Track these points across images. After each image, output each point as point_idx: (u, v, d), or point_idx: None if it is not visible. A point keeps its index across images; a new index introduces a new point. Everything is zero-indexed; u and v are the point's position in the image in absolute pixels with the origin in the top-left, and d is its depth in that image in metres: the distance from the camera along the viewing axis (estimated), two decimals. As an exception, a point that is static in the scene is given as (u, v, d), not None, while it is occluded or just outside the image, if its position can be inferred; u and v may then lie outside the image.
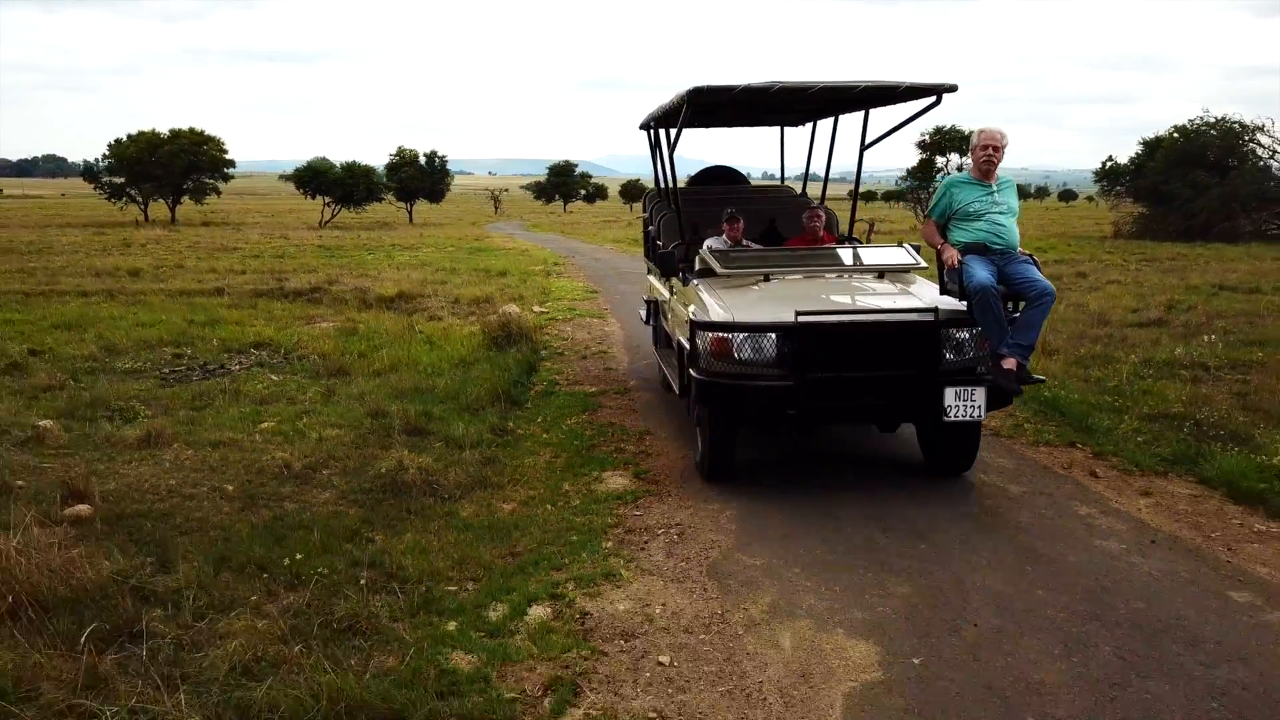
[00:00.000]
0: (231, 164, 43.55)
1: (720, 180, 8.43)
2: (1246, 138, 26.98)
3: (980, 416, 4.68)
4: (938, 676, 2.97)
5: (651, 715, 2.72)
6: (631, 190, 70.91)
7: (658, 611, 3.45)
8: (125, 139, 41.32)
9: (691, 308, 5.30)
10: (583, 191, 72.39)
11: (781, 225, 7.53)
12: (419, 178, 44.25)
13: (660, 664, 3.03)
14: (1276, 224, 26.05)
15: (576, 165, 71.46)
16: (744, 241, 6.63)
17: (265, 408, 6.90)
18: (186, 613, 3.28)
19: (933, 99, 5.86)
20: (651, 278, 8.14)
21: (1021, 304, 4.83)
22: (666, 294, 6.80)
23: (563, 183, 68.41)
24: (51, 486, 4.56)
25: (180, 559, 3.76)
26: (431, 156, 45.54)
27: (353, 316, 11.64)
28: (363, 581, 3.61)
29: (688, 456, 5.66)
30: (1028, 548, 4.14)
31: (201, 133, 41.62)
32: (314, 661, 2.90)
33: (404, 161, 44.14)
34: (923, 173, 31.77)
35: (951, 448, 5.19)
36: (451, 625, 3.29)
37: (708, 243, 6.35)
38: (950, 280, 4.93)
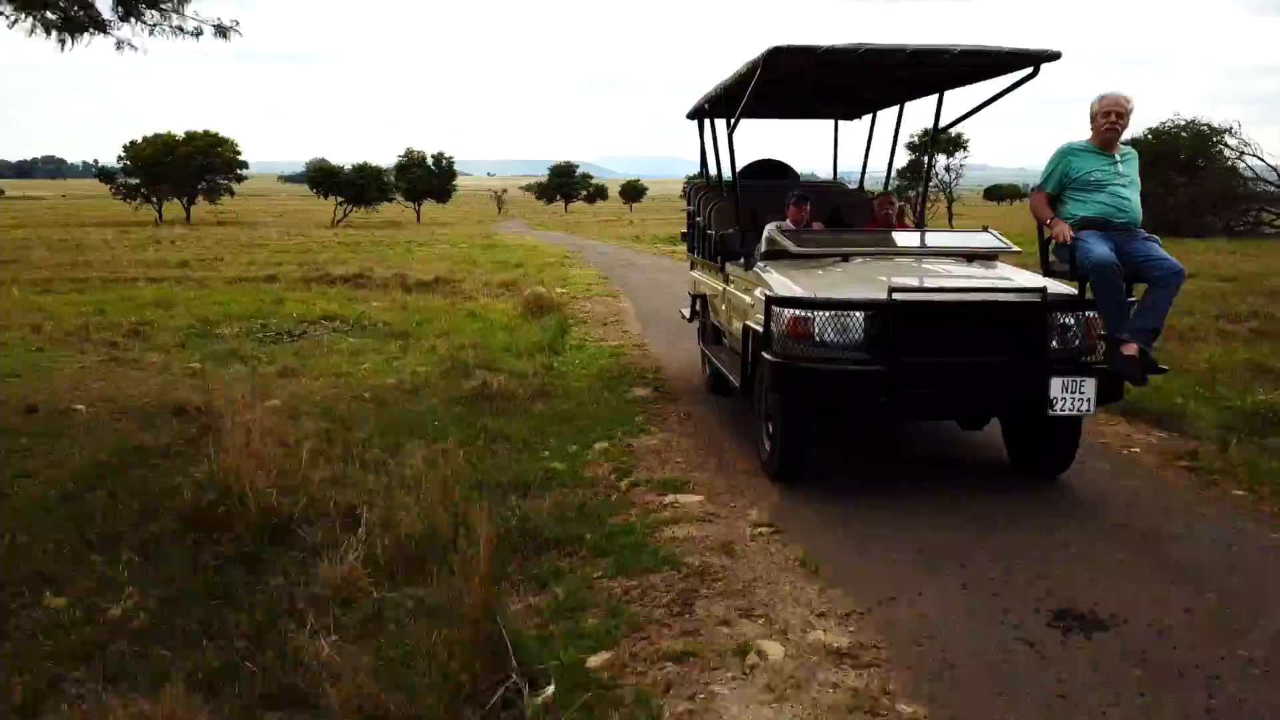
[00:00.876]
0: (244, 165, 45.61)
1: (769, 174, 7.92)
2: (1215, 139, 29.05)
3: (1090, 410, 4.36)
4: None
5: (675, 478, 4.74)
6: (631, 191, 72.93)
7: (674, 444, 5.46)
8: (141, 140, 43.31)
9: (759, 290, 5.07)
10: (584, 192, 74.48)
11: (847, 215, 7.18)
12: (427, 178, 46.33)
13: (677, 461, 5.04)
14: (1243, 222, 28.09)
15: (577, 166, 73.57)
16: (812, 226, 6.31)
17: (357, 356, 8.87)
18: (377, 447, 5.26)
19: (1029, 70, 5.47)
20: (697, 272, 7.91)
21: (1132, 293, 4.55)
22: (719, 286, 6.57)
23: (564, 183, 70.52)
24: (243, 393, 6.55)
25: (357, 424, 5.75)
26: (439, 158, 47.62)
27: (398, 297, 13.61)
28: (481, 440, 5.58)
29: (693, 380, 7.62)
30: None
31: (216, 135, 43.66)
32: (471, 460, 4.88)
33: (412, 163, 46.21)
34: (912, 174, 33.77)
35: (1050, 445, 4.81)
36: (546, 453, 5.28)
37: (770, 226, 5.92)
38: (1058, 258, 4.70)
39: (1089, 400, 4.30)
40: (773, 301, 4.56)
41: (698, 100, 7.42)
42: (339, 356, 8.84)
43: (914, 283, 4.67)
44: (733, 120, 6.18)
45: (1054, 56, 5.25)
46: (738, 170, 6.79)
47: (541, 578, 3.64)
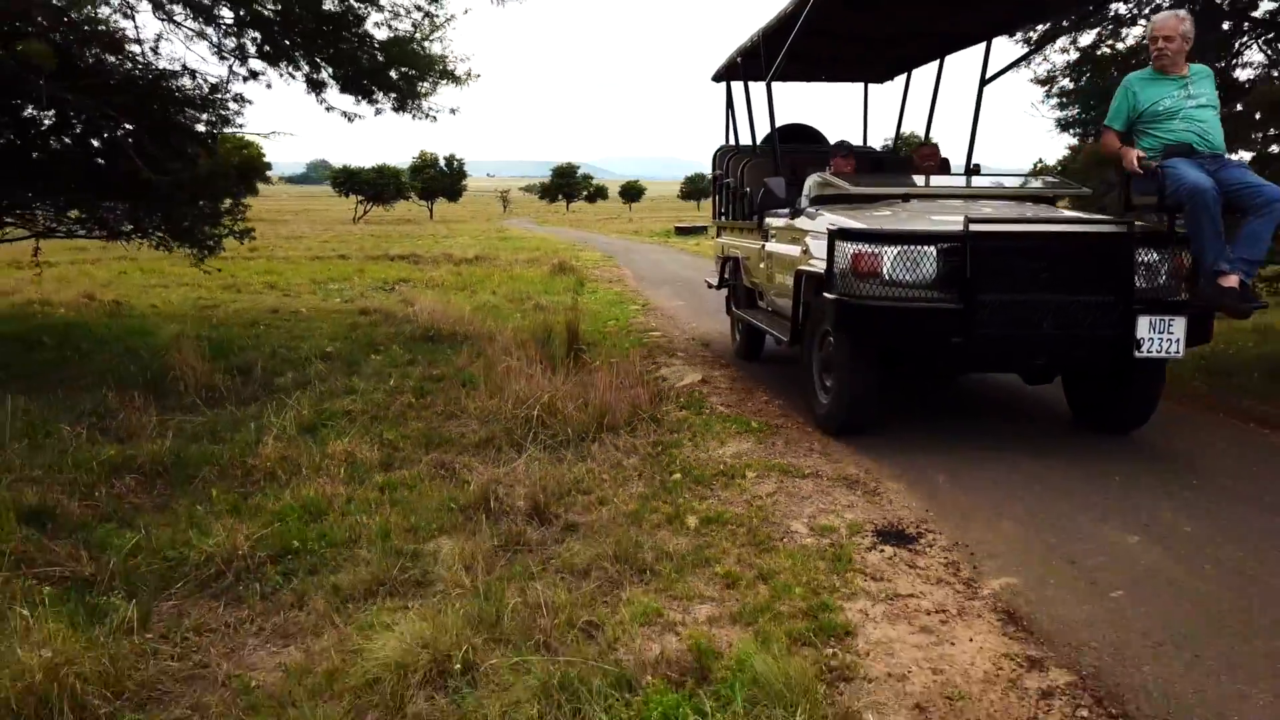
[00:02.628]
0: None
1: (798, 139, 7.97)
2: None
3: (1179, 352, 4.17)
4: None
5: (653, 326, 9.34)
6: (630, 191, 77.67)
7: (651, 323, 10.07)
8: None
9: (812, 233, 4.99)
10: (585, 192, 79.16)
11: (889, 169, 7.32)
12: (440, 179, 51.03)
13: (653, 324, 9.62)
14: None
15: (579, 167, 78.24)
16: None
17: (445, 295, 13.45)
18: (489, 320, 9.85)
19: (1090, 6, 5.17)
20: (726, 237, 8.01)
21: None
22: (756, 244, 6.55)
23: (566, 184, 75.17)
24: (400, 305, 11.13)
25: (471, 318, 10.35)
26: (450, 160, 52.30)
27: (450, 268, 18.19)
28: (541, 318, 10.13)
29: (668, 305, 12.20)
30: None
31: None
32: (537, 321, 9.50)
33: (426, 164, 50.90)
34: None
35: (1130, 395, 4.65)
36: (582, 326, 9.91)
37: (817, 175, 5.86)
38: (1141, 191, 4.48)
39: (1178, 341, 4.12)
40: (837, 235, 4.38)
41: (726, 58, 7.45)
42: (431, 294, 13.41)
43: (991, 214, 4.46)
44: (769, 74, 6.17)
45: None
46: (769, 135, 6.93)
47: (590, 338, 8.15)
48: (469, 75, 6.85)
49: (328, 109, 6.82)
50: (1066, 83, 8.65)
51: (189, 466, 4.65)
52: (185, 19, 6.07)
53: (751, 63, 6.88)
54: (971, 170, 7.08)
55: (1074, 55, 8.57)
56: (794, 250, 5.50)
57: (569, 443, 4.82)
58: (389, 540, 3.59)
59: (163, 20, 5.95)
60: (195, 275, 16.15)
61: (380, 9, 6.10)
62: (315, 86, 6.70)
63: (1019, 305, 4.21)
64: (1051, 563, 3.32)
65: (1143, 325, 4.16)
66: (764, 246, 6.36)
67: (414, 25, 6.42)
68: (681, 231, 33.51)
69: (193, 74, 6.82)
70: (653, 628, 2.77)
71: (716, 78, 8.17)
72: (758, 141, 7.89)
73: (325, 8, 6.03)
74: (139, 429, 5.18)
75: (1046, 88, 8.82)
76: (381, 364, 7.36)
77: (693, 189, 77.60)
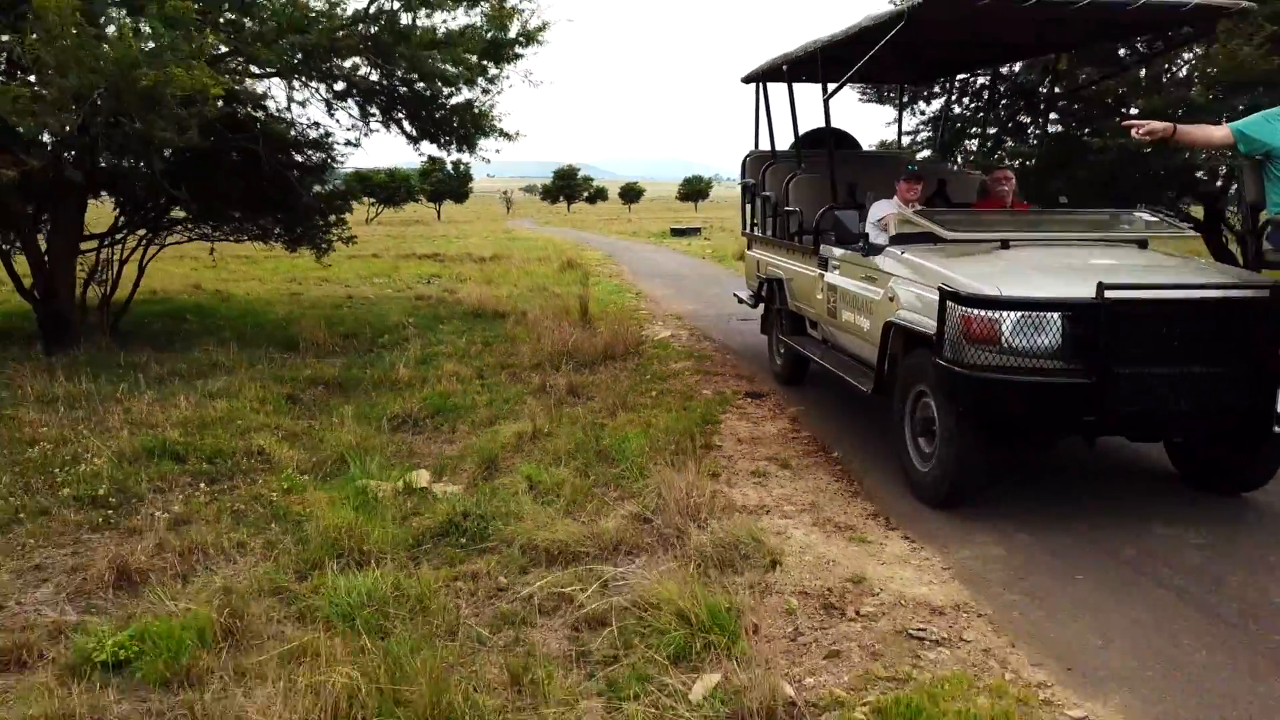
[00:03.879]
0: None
1: (836, 147, 7.51)
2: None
3: None
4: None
5: (652, 311, 12.71)
6: (630, 193, 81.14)
7: (643, 305, 13.43)
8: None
9: (909, 282, 4.72)
10: (585, 193, 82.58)
11: (953, 192, 6.96)
12: (447, 181, 54.41)
13: (648, 308, 12.98)
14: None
15: (579, 169, 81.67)
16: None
17: (477, 285, 16.79)
18: (522, 303, 13.23)
19: (1217, 14, 5.12)
20: (763, 252, 7.73)
21: None
22: (812, 271, 6.32)
23: (567, 185, 78.59)
24: (445, 293, 14.49)
25: (506, 302, 13.72)
26: (457, 163, 55.70)
27: (472, 266, 21.53)
28: (560, 303, 13.48)
29: (655, 289, 15.56)
30: None
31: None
32: (556, 305, 12.88)
33: (433, 167, 54.24)
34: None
35: (1254, 461, 4.45)
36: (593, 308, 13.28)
37: (884, 204, 5.80)
38: (1275, 245, 4.20)
39: None
40: (951, 299, 4.09)
41: (768, 62, 7.21)
42: (465, 286, 16.78)
43: (1124, 278, 4.13)
44: (832, 84, 5.97)
45: (1246, 11, 4.95)
46: (798, 139, 6.96)
47: (596, 312, 11.51)
48: (517, 134, 10.21)
49: (419, 154, 10.26)
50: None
51: (353, 384, 7.95)
52: (326, 95, 9.43)
53: (801, 68, 6.81)
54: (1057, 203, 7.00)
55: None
56: (872, 292, 5.22)
57: (585, 365, 8.16)
58: (493, 405, 6.93)
59: (316, 97, 9.30)
60: (260, 272, 19.51)
61: (458, 91, 9.43)
62: (412, 140, 10.05)
63: (1155, 378, 3.93)
64: (837, 402, 6.66)
65: None
66: (823, 276, 6.08)
67: (479, 94, 9.78)
68: (676, 233, 36.80)
69: (316, 125, 10.21)
70: (630, 415, 6.14)
71: (748, 79, 7.91)
72: (782, 146, 7.84)
73: (419, 88, 9.39)
74: (304, 366, 8.45)
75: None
76: (450, 330, 10.70)
77: (690, 190, 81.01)
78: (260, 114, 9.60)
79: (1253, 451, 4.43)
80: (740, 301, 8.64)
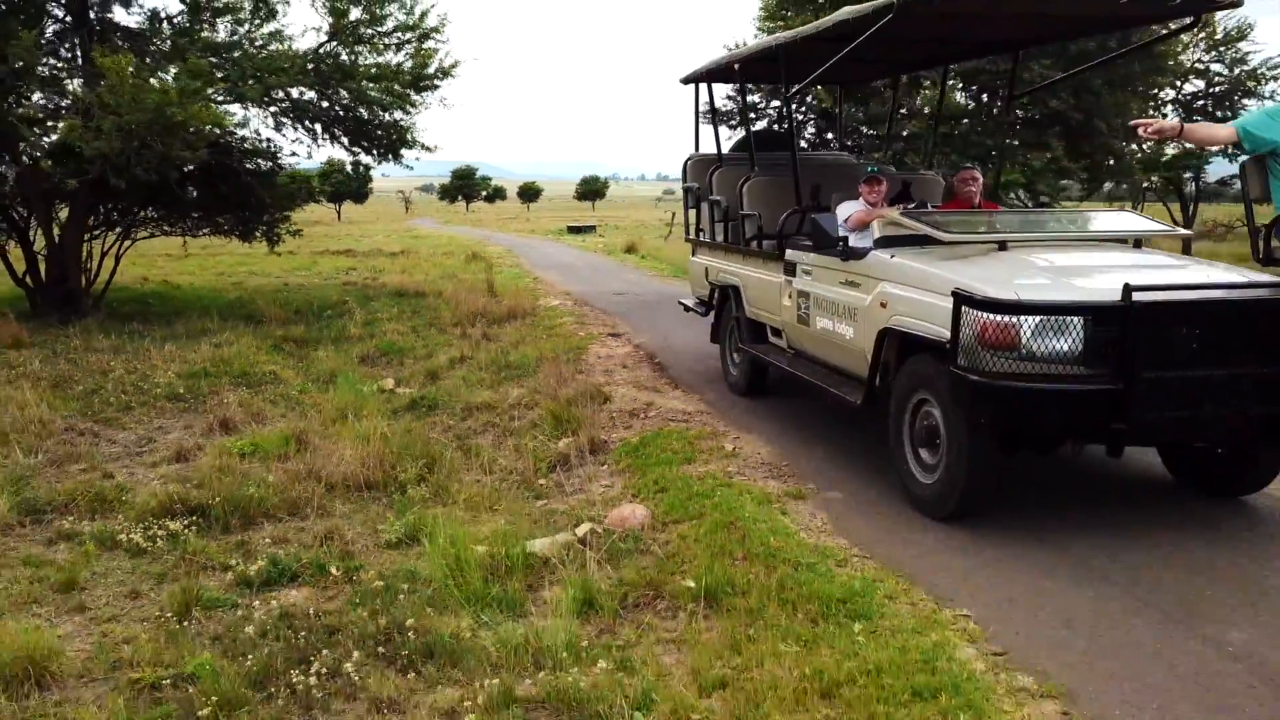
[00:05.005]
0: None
1: (773, 147, 7.84)
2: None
3: None
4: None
5: (541, 291, 15.76)
6: (528, 192, 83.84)
7: (541, 286, 16.46)
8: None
9: (902, 289, 4.64)
10: (484, 193, 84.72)
11: (918, 193, 6.92)
12: (347, 183, 56.03)
13: (544, 288, 16.01)
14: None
15: (477, 169, 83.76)
16: (906, 205, 5.88)
17: (393, 274, 19.46)
18: (438, 289, 16.07)
19: (1189, 20, 5.39)
20: (713, 258, 7.66)
21: None
22: (775, 278, 6.22)
23: (465, 185, 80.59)
24: (368, 279, 17.18)
25: (424, 287, 16.53)
26: (356, 164, 57.29)
27: (385, 259, 24.08)
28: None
29: (551, 275, 18.56)
30: None
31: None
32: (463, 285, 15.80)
33: (333, 169, 55.79)
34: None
35: (1257, 464, 4.48)
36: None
37: (843, 207, 5.73)
38: None
39: None
40: (967, 303, 3.99)
41: (713, 62, 7.25)
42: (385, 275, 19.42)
43: (1100, 278, 4.12)
44: (795, 84, 6.06)
45: (1234, 3, 5.05)
46: (736, 143, 7.11)
47: (500, 290, 14.48)
48: (435, 146, 13.10)
49: (354, 163, 13.08)
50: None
51: (316, 340, 10.69)
52: (280, 118, 12.15)
53: (758, 69, 6.94)
54: (1040, 203, 7.40)
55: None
56: (858, 298, 5.10)
57: (494, 323, 11.14)
58: (428, 346, 9.83)
59: (271, 118, 12.02)
60: (189, 267, 21.64)
61: (389, 113, 12.29)
62: (352, 151, 12.86)
63: (1184, 382, 3.90)
64: (669, 334, 9.84)
65: None
66: (790, 282, 6.01)
67: (403, 115, 12.65)
68: (573, 230, 39.78)
69: (268, 141, 12.92)
70: (526, 346, 9.20)
71: (691, 80, 7.97)
72: (721, 150, 8.04)
73: (360, 114, 12.21)
74: (275, 330, 11.12)
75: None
76: (382, 305, 13.48)
77: (587, 190, 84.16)
78: (235, 134, 12.25)
79: (1249, 454, 4.45)
80: (687, 310, 8.53)
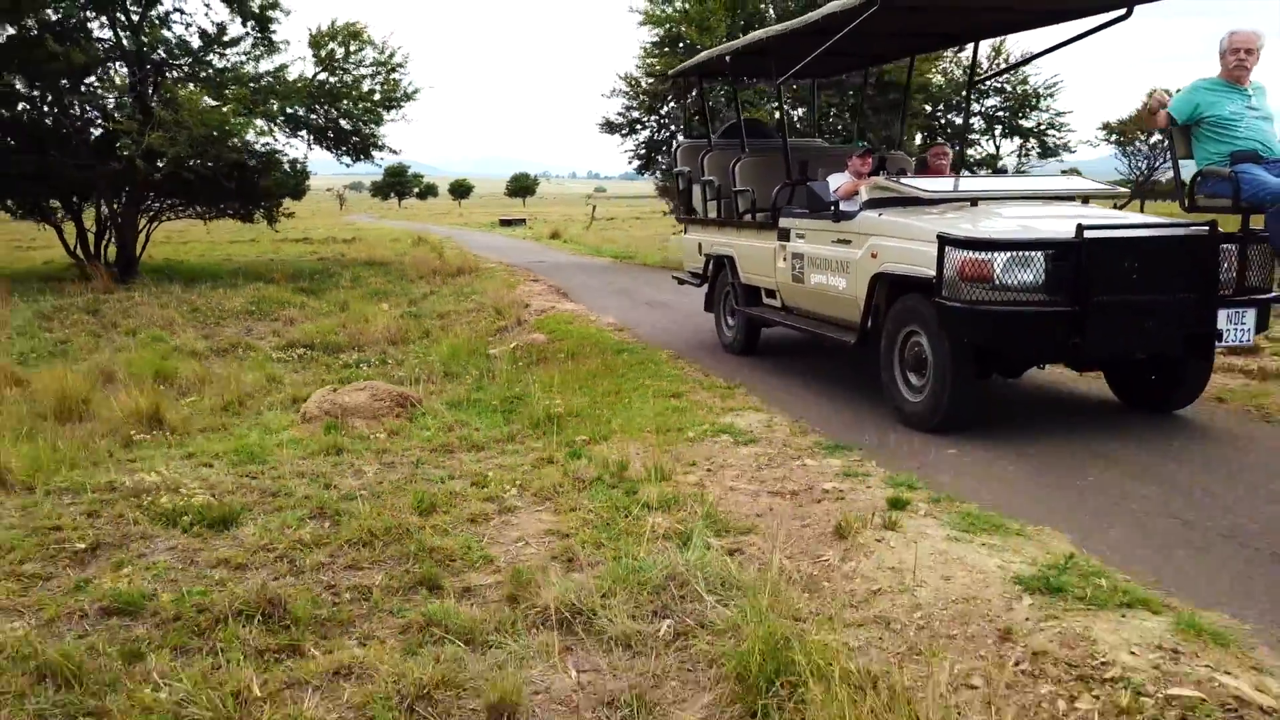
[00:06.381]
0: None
1: (755, 136, 8.56)
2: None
3: (1249, 340, 4.93)
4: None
5: (505, 268, 20.34)
6: (459, 189, 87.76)
7: (489, 274, 21.01)
8: None
9: (890, 240, 5.44)
10: (415, 189, 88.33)
11: (893, 169, 7.63)
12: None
13: (502, 271, 20.57)
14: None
15: (409, 167, 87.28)
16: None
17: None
18: (401, 261, 20.47)
19: (1121, 12, 5.98)
20: (705, 234, 8.55)
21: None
22: (767, 244, 7.03)
23: (398, 181, 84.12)
24: (337, 256, 21.49)
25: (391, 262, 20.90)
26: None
27: (342, 246, 28.21)
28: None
29: (503, 255, 23.02)
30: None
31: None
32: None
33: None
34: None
35: (1185, 379, 5.32)
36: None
37: (834, 179, 6.61)
38: (1211, 193, 5.21)
39: (1249, 330, 4.86)
40: (950, 244, 4.76)
41: (703, 55, 8.27)
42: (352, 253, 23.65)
43: (1065, 225, 4.83)
44: (782, 75, 6.99)
45: None
46: (720, 132, 8.38)
47: (447, 260, 18.98)
48: (400, 150, 17.62)
49: (339, 160, 17.62)
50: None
51: (320, 290, 15.05)
52: (283, 128, 16.54)
53: (748, 63, 7.78)
54: (999, 170, 8.54)
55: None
56: (849, 253, 5.88)
57: (446, 278, 15.66)
58: (404, 291, 14.32)
59: (276, 131, 16.40)
60: (175, 249, 25.52)
61: (371, 126, 16.75)
62: (337, 155, 17.31)
63: (1127, 306, 4.69)
64: (572, 279, 14.48)
65: (1222, 318, 4.78)
66: (784, 246, 6.77)
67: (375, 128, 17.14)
68: (505, 223, 44.08)
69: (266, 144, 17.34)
70: (473, 298, 13.81)
71: (681, 74, 9.06)
72: (714, 137, 8.77)
73: (343, 125, 16.67)
74: (286, 286, 15.44)
75: None
76: (357, 270, 17.84)
77: (518, 187, 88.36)
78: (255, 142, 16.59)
79: (1179, 370, 5.27)
80: (681, 283, 9.32)
